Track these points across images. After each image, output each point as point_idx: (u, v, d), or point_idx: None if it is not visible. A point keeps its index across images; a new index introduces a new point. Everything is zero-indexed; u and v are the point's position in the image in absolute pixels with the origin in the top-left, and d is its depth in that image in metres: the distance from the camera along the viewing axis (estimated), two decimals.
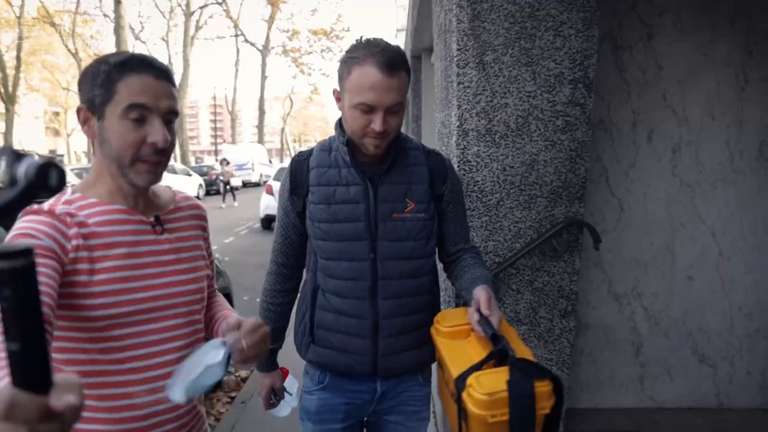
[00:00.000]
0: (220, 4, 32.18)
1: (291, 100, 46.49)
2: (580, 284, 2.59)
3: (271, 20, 35.17)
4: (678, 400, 2.67)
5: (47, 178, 0.44)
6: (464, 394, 1.14)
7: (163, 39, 36.60)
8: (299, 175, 1.46)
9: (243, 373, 3.93)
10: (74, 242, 0.96)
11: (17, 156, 0.46)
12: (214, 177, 20.93)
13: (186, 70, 29.85)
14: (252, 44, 36.39)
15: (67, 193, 1.03)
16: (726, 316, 2.62)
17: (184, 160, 28.37)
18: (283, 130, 47.23)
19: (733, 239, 2.57)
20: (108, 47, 34.99)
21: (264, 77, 37.51)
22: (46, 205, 0.99)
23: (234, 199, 17.58)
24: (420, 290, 1.46)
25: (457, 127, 2.11)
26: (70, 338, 0.98)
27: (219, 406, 3.43)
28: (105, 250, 0.99)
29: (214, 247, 1.31)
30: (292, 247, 1.52)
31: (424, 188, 1.44)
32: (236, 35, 40.31)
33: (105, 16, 29.00)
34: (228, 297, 3.72)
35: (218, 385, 3.62)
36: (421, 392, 1.55)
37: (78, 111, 1.02)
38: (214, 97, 43.64)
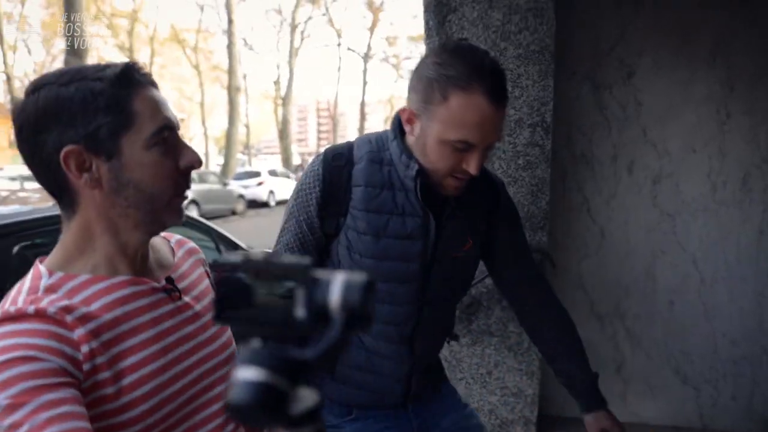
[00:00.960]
0: (324, 15, 34.08)
1: (392, 104, 47.91)
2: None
3: (373, 27, 36.54)
4: (662, 417, 2.79)
5: (367, 302, 0.32)
6: None
7: (271, 51, 39.34)
8: (336, 185, 1.14)
9: None
10: (85, 348, 0.69)
11: (314, 278, 0.34)
12: None
13: (291, 78, 32.03)
14: (354, 51, 37.99)
15: (43, 277, 0.73)
16: (709, 341, 2.70)
17: (287, 164, 30.37)
18: None
19: (716, 267, 2.65)
20: (222, 60, 38.35)
21: (365, 83, 39.00)
22: (22, 302, 0.69)
23: None
24: (449, 326, 1.37)
25: None
26: None
27: None
28: (124, 343, 0.74)
29: None
30: None
31: (484, 221, 1.24)
32: (339, 44, 42.34)
33: (224, 32, 31.95)
34: None
35: None
36: (451, 387, 1.47)
37: (65, 158, 0.72)
38: (318, 102, 46.16)
